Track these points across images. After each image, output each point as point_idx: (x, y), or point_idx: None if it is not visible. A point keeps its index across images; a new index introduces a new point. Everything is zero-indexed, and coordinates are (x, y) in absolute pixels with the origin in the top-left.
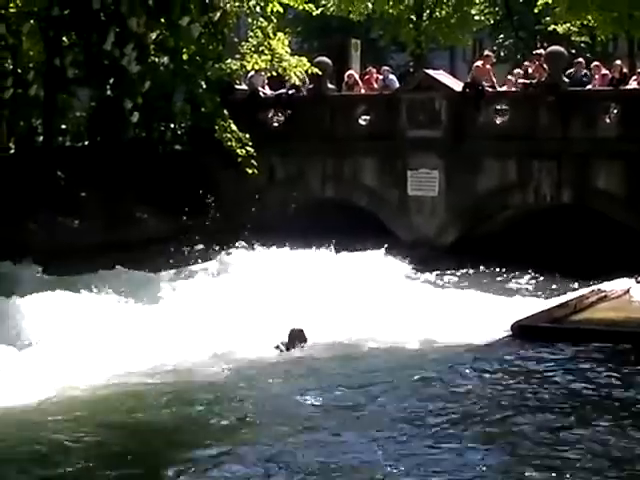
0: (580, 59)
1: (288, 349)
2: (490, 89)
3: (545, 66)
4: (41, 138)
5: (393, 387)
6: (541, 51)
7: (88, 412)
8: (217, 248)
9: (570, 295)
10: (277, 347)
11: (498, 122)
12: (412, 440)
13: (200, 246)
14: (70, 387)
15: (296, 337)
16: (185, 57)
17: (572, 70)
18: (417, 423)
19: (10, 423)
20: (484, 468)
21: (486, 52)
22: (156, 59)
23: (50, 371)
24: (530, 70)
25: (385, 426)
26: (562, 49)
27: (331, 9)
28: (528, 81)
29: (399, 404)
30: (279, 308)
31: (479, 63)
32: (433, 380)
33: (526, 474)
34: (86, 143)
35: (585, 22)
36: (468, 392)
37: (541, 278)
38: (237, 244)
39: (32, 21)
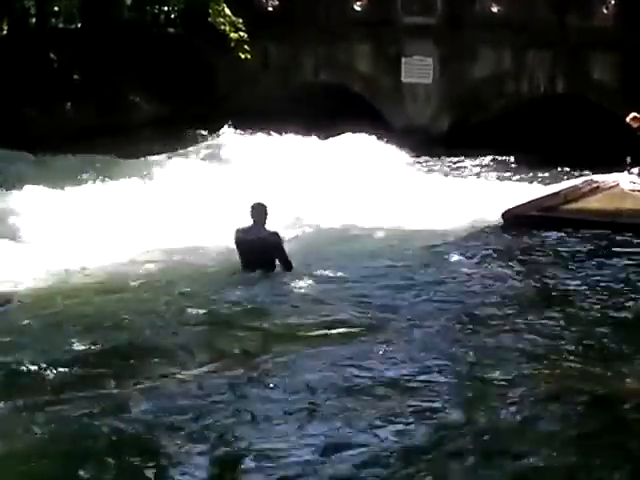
0: None
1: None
2: None
3: None
4: (34, 20)
5: (379, 270)
6: None
7: (86, 298)
8: (209, 132)
9: (562, 185)
10: None
11: (494, 10)
12: (391, 317)
13: (192, 130)
14: (64, 274)
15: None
16: None
17: None
18: (397, 303)
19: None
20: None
21: None
22: None
23: (46, 257)
24: None
25: (367, 303)
26: None
27: None
28: None
29: (383, 287)
30: (270, 193)
31: None
32: (420, 264)
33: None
34: (79, 25)
35: None
36: (453, 277)
37: (534, 168)
38: (230, 129)
39: None
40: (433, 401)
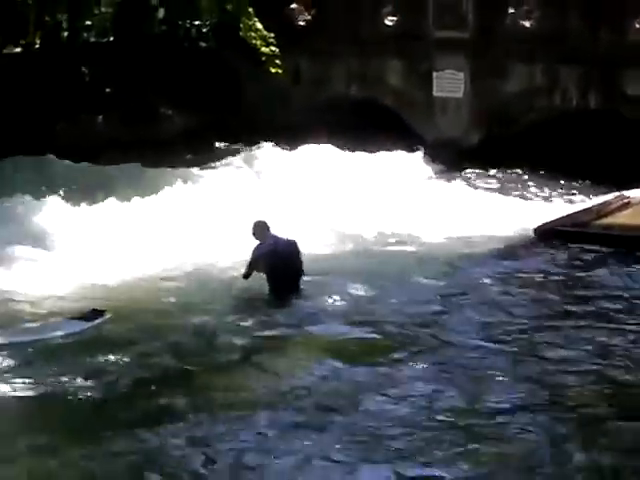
0: None
1: None
2: None
3: None
4: (66, 34)
5: (411, 284)
6: None
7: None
8: (240, 147)
9: (594, 200)
10: None
11: (527, 25)
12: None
13: (223, 144)
14: (90, 284)
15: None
16: None
17: None
18: (432, 318)
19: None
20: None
21: None
22: None
23: (75, 265)
24: None
25: (405, 319)
26: None
27: None
28: None
29: (418, 302)
30: (302, 207)
31: None
32: (452, 277)
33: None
34: (111, 39)
35: None
36: (487, 291)
37: (565, 183)
38: (260, 143)
39: None
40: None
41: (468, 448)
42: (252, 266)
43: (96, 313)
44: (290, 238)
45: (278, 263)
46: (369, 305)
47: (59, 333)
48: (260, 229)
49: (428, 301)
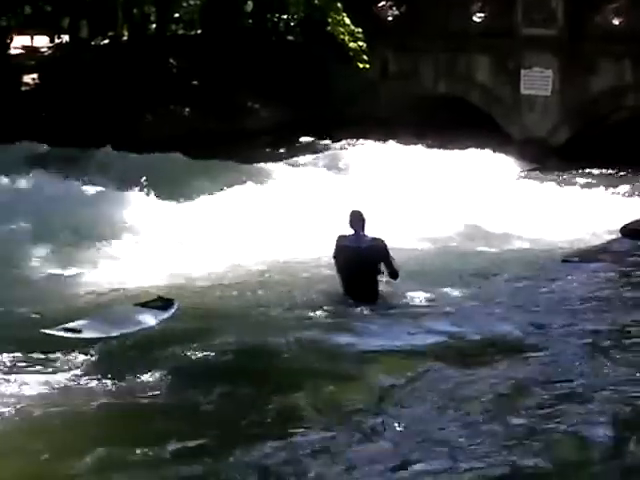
0: None
1: None
2: None
3: None
4: (154, 26)
5: (497, 281)
6: None
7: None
8: (326, 140)
9: None
10: None
11: (616, 22)
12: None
13: (310, 139)
14: (181, 277)
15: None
16: None
17: None
18: (526, 319)
19: None
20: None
21: None
22: None
23: (155, 255)
24: None
25: (496, 321)
26: None
27: None
28: None
29: (508, 303)
30: (388, 203)
31: None
32: (541, 278)
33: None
34: (199, 32)
35: None
36: (577, 292)
37: None
38: (347, 138)
39: None
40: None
41: None
42: (335, 254)
43: (164, 302)
44: (375, 236)
45: (353, 261)
46: (454, 307)
47: (143, 326)
48: (354, 219)
49: (521, 301)
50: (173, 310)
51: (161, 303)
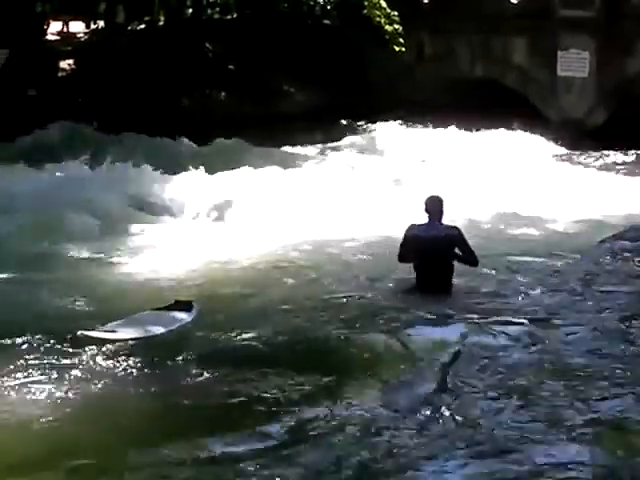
0: None
1: None
2: None
3: None
4: (190, 10)
5: (535, 266)
6: None
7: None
8: (362, 124)
9: None
10: None
11: None
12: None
13: (347, 122)
14: (226, 260)
15: None
16: None
17: None
18: (564, 302)
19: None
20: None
21: None
22: None
23: (208, 241)
24: None
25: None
26: None
27: None
28: None
29: (542, 283)
30: (425, 186)
31: None
32: (579, 261)
33: None
34: (235, 16)
35: None
36: (609, 272)
37: None
38: (384, 121)
39: None
40: None
41: None
42: (403, 247)
43: (183, 305)
44: (450, 224)
45: (424, 251)
46: (502, 298)
47: (170, 327)
48: (431, 206)
49: (558, 284)
50: (194, 314)
51: (182, 306)
